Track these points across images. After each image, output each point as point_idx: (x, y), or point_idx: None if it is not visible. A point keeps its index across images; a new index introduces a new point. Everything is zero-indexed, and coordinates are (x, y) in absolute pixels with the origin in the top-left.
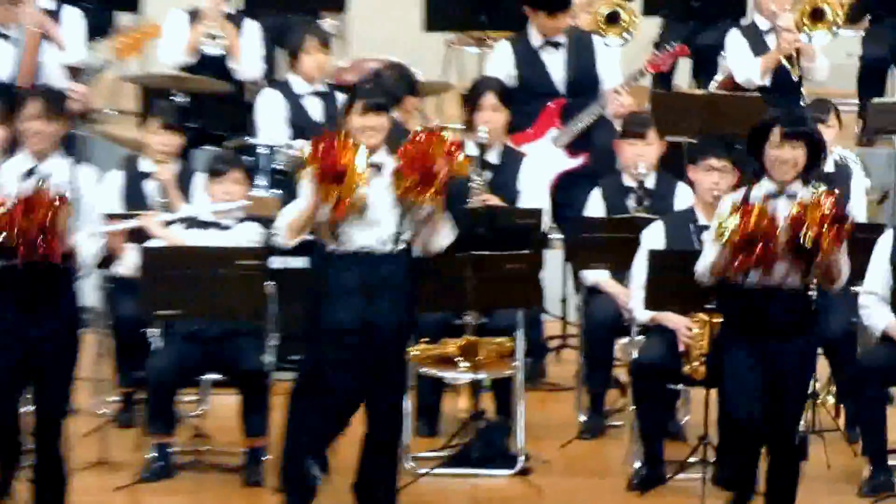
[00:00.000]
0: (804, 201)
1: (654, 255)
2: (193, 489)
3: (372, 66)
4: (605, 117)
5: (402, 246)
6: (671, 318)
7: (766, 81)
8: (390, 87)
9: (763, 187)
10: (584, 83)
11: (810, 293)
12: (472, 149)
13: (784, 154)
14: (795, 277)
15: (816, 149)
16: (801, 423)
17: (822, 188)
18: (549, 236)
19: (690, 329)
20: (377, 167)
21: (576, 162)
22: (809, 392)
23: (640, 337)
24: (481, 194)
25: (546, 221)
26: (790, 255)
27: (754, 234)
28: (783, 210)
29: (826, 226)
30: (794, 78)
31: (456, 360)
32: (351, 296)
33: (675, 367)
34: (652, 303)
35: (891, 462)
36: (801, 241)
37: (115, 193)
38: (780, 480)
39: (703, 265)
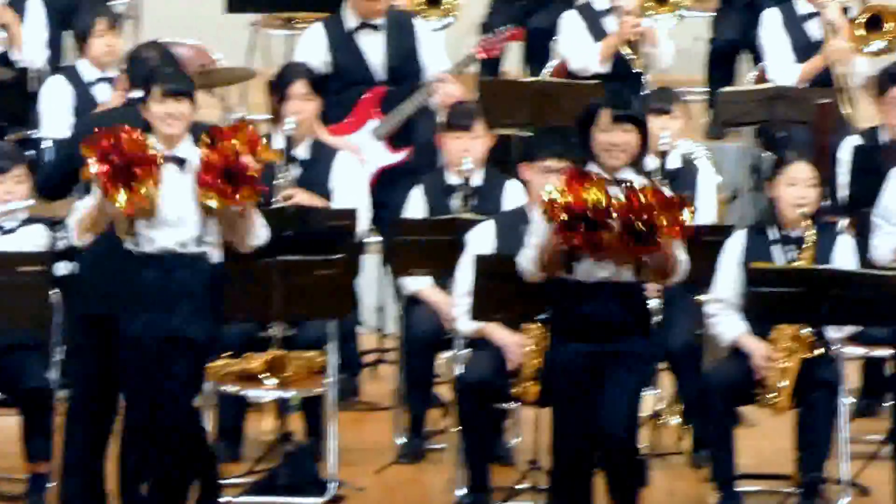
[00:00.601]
0: (637, 186)
1: (481, 260)
2: None
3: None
4: (430, 108)
5: (204, 248)
6: (499, 334)
7: (605, 68)
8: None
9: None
10: (406, 70)
11: (645, 292)
12: (279, 142)
13: (615, 138)
14: (628, 270)
15: (646, 135)
16: (643, 444)
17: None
18: (366, 239)
19: (521, 346)
20: (179, 161)
21: (397, 157)
22: (652, 411)
23: (466, 351)
24: (288, 191)
25: (363, 223)
26: (623, 241)
27: (583, 208)
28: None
29: (662, 209)
30: (638, 67)
31: (261, 376)
32: (148, 301)
33: (503, 385)
34: (479, 312)
35: (740, 489)
36: (635, 227)
37: None
38: None
39: (527, 256)
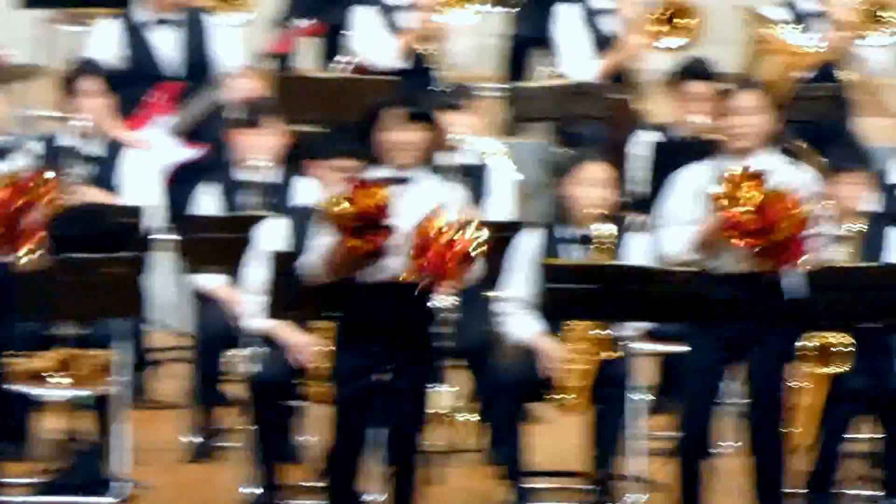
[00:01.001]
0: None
1: (278, 257)
2: None
3: None
4: (224, 104)
5: None
6: (287, 334)
7: (402, 64)
8: None
9: (379, 173)
10: (201, 65)
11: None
12: (67, 139)
13: (406, 137)
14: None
15: (437, 132)
16: (441, 441)
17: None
18: (160, 236)
19: (308, 346)
20: None
21: (192, 153)
22: (448, 408)
23: (259, 349)
24: (75, 189)
25: (155, 219)
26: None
27: (367, 215)
28: (407, 198)
29: (449, 258)
30: (433, 62)
31: (48, 375)
32: None
33: (295, 384)
34: (272, 310)
35: (535, 486)
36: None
37: None
38: None
39: (311, 258)
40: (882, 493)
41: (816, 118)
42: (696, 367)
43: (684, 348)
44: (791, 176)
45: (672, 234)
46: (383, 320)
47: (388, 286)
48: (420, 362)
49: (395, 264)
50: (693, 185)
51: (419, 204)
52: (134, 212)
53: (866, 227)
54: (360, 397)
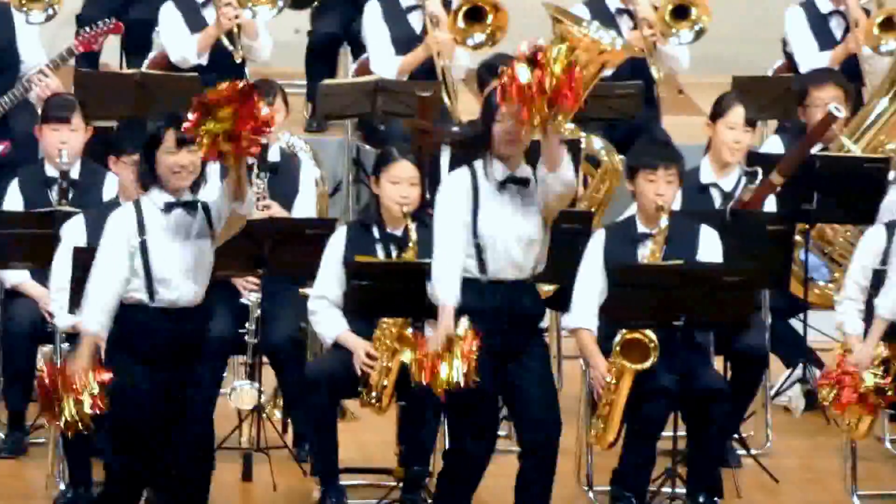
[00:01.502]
0: None
1: (78, 253)
2: None
3: None
4: (28, 101)
5: None
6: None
7: (204, 60)
8: None
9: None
10: (4, 62)
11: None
12: None
13: (182, 159)
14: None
15: None
16: (244, 439)
17: None
18: None
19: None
20: None
21: None
22: (254, 405)
23: (66, 345)
24: None
25: None
26: None
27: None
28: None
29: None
30: (238, 59)
31: None
32: None
33: None
34: (76, 305)
35: (344, 482)
36: None
37: None
38: None
39: None
40: (684, 490)
41: (622, 116)
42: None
43: None
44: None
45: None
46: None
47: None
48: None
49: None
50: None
51: None
52: None
53: (671, 223)
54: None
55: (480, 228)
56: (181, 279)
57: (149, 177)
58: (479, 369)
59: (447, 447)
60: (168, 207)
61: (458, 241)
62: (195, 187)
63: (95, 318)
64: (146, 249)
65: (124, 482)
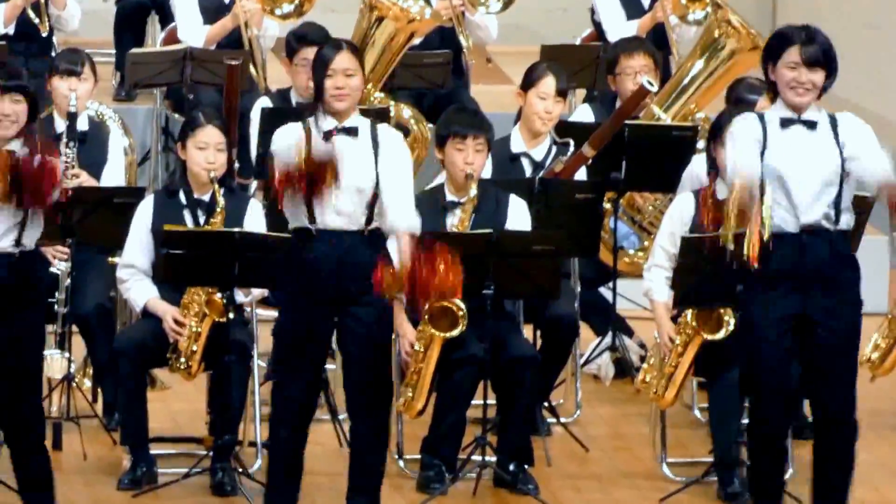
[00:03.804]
0: None
1: None
2: None
3: None
4: None
5: None
6: None
7: (11, 30)
8: None
9: None
10: None
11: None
12: None
13: (5, 108)
14: None
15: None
16: (55, 408)
17: None
18: None
19: None
20: None
21: None
22: (64, 375)
23: None
24: None
25: None
26: None
27: None
28: None
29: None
30: (44, 32)
31: None
32: None
33: None
34: None
35: (153, 451)
36: None
37: None
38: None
39: None
40: (497, 458)
41: (431, 85)
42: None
43: None
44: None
45: None
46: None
47: None
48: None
49: None
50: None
51: None
52: None
53: (480, 192)
54: None
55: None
56: None
57: None
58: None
59: None
60: None
61: None
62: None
63: None
64: None
65: None
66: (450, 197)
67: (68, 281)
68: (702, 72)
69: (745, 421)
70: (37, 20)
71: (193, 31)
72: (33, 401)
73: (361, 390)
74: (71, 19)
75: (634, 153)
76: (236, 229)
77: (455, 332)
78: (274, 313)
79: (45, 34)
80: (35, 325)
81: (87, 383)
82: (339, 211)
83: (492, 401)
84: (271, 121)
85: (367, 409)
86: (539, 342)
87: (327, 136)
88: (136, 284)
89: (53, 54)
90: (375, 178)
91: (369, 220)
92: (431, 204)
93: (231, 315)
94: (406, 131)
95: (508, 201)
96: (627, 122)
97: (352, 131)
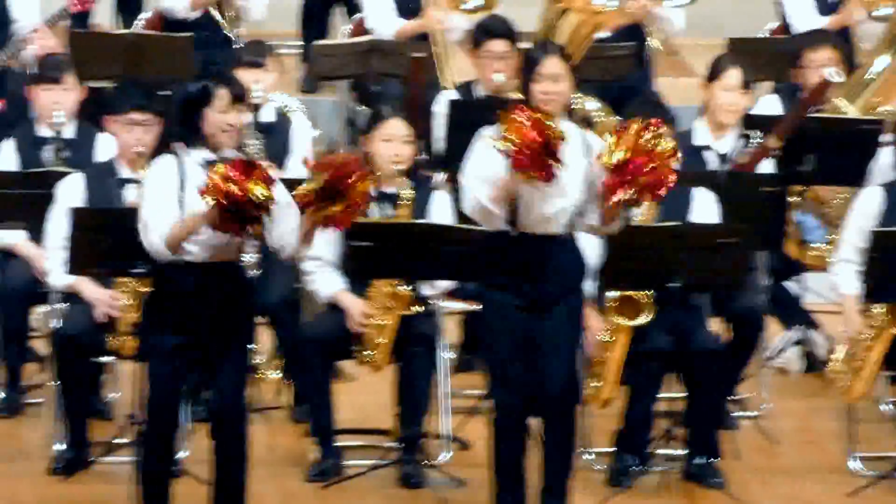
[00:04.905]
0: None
1: (77, 213)
2: None
3: None
4: (23, 60)
5: None
6: (88, 289)
7: (194, 15)
8: None
9: (198, 155)
10: None
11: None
12: None
13: (232, 118)
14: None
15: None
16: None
17: None
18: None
19: (110, 301)
20: None
21: None
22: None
23: (62, 304)
24: None
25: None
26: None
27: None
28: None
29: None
30: (226, 30)
31: None
32: None
33: (101, 339)
34: (75, 265)
35: (340, 444)
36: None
37: None
38: (226, 465)
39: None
40: (685, 452)
41: (616, 78)
42: (495, 328)
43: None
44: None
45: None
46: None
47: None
48: (239, 335)
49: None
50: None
51: None
52: None
53: None
54: (172, 373)
55: None
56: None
57: (192, 134)
58: None
59: None
60: (207, 165)
61: None
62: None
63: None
64: (183, 204)
65: None
66: None
67: (257, 272)
68: (889, 66)
69: None
70: (220, 19)
71: (386, 21)
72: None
73: (554, 388)
74: (255, 10)
75: (821, 146)
76: (422, 221)
77: (640, 321)
78: (460, 305)
79: (226, 32)
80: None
81: (275, 374)
82: (542, 215)
83: (680, 394)
84: (457, 113)
85: (560, 406)
86: (728, 335)
87: None
88: (322, 276)
89: (238, 46)
90: (584, 184)
91: (572, 224)
92: None
93: (417, 307)
94: (591, 124)
95: (693, 194)
96: (814, 115)
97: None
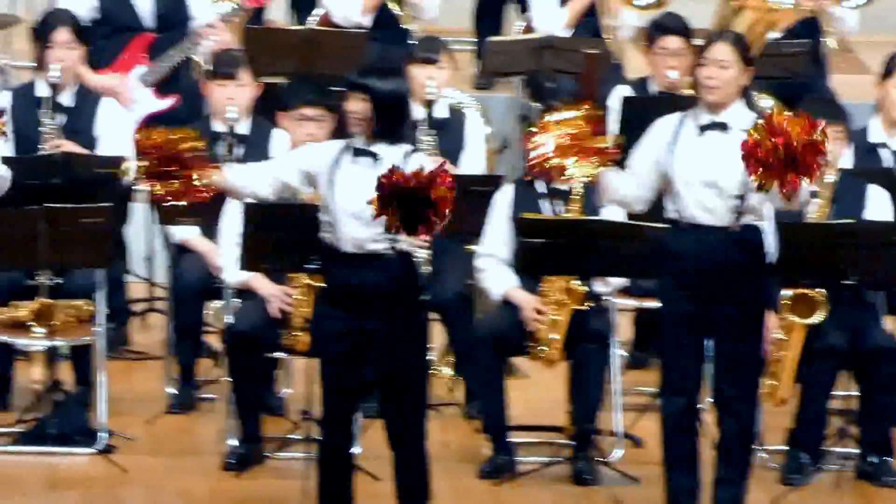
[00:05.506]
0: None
1: (250, 210)
2: None
3: None
4: (196, 55)
5: None
6: (262, 285)
7: (365, 20)
8: None
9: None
10: (174, 17)
11: (417, 258)
12: (44, 89)
13: (349, 106)
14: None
15: (384, 102)
16: None
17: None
18: (135, 188)
19: (283, 297)
20: None
21: (164, 104)
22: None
23: (235, 300)
24: (54, 139)
25: (131, 170)
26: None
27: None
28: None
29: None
30: (403, 24)
31: (29, 324)
32: None
33: (273, 335)
34: (248, 262)
35: (513, 440)
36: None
37: None
38: (407, 469)
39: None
40: (858, 451)
41: (791, 75)
42: (671, 323)
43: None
44: None
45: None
46: (364, 291)
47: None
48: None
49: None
50: (663, 134)
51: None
52: (114, 162)
53: (839, 181)
54: (346, 363)
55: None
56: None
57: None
58: None
59: None
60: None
61: None
62: None
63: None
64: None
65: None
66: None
67: (429, 269)
68: None
69: None
70: (398, 11)
71: (550, 17)
72: (422, 403)
73: (731, 382)
74: (429, 8)
75: None
76: (594, 217)
77: (815, 319)
78: (633, 302)
79: (404, 25)
80: (421, 326)
81: (447, 371)
82: (703, 206)
83: (854, 392)
84: (632, 109)
85: (737, 400)
86: None
87: (702, 130)
88: (494, 273)
89: (412, 42)
90: (742, 178)
91: (738, 216)
92: None
93: (589, 304)
94: None
95: (867, 191)
96: None
97: (721, 126)
